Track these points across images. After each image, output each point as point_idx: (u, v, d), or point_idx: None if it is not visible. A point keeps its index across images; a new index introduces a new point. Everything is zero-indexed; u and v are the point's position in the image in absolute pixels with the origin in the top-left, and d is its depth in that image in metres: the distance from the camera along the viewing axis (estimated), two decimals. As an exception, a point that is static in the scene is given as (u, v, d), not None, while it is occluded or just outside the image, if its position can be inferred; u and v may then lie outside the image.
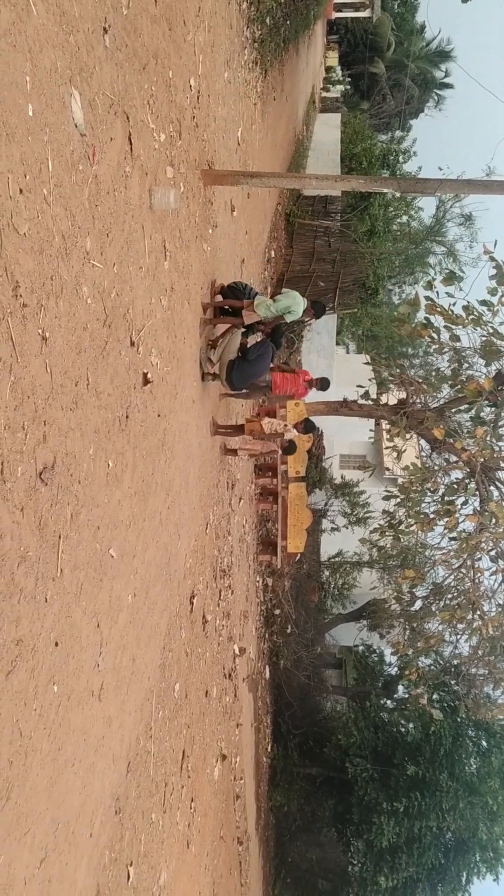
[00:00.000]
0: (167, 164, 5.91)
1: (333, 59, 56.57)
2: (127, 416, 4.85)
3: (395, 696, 24.27)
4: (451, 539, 14.44)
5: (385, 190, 7.05)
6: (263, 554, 14.69)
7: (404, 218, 26.88)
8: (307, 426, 10.30)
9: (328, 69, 55.21)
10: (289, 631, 17.51)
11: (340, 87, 55.30)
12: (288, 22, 17.32)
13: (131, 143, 4.82)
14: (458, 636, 15.46)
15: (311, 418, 15.04)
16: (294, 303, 7.27)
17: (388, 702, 24.52)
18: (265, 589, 15.75)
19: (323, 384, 10.32)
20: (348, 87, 55.88)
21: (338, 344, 26.48)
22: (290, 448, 10.54)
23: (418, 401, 15.42)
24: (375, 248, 21.38)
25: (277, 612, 16.61)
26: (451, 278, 14.43)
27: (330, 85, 53.78)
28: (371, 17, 48.42)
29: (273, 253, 17.24)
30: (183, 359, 6.69)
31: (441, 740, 15.56)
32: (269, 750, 16.04)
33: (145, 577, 5.47)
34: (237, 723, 11.48)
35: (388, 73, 55.53)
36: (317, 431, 21.89)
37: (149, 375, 5.31)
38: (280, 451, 10.51)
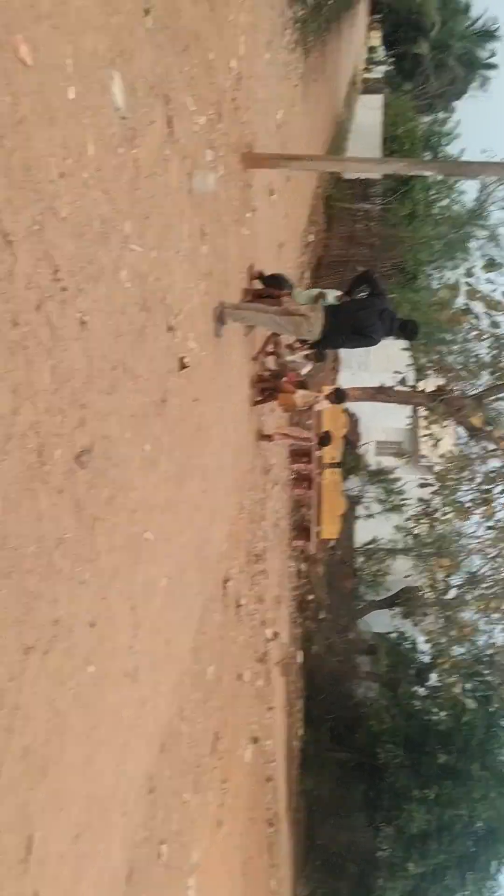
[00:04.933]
0: (207, 148, 5.88)
1: (376, 38, 55.62)
2: (164, 401, 4.87)
3: (428, 683, 24.18)
4: (489, 528, 14.31)
5: (427, 173, 6.94)
6: (297, 539, 14.69)
7: (446, 201, 26.42)
8: (339, 395, 10.26)
9: (371, 49, 54.33)
10: (322, 617, 17.52)
11: (383, 68, 54.40)
12: (330, 1, 17.05)
13: (171, 127, 4.81)
14: (493, 626, 15.34)
15: (348, 406, 14.99)
16: (328, 293, 7.16)
17: (421, 689, 24.44)
18: (299, 574, 15.76)
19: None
20: (391, 67, 54.90)
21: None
22: (325, 439, 10.52)
23: (457, 388, 15.24)
24: (416, 232, 21.07)
25: (311, 597, 16.62)
26: (493, 265, 14.21)
27: (372, 65, 52.95)
28: (415, -5, 47.36)
29: (312, 237, 17.10)
30: (219, 344, 6.68)
31: (473, 730, 15.44)
32: (300, 734, 16.10)
33: (180, 560, 5.51)
34: (269, 706, 11.54)
35: (432, 54, 54.42)
36: (353, 414, 21.72)
37: (186, 360, 5.31)
38: (314, 440, 10.48)
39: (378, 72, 52.73)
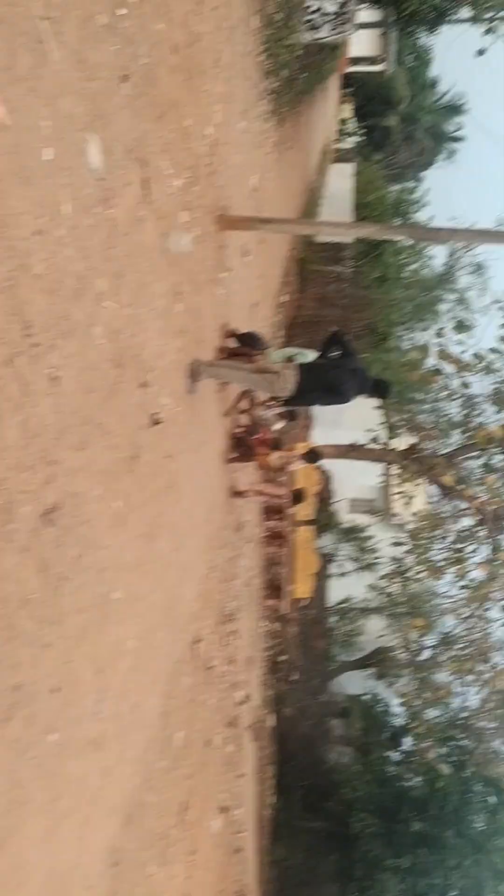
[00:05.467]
0: (182, 209, 5.98)
1: (348, 111, 57.91)
2: (135, 457, 4.82)
3: (401, 748, 23.72)
4: (462, 588, 14.25)
5: (397, 237, 7.11)
6: (270, 598, 14.49)
7: (415, 265, 27.15)
8: (312, 455, 10.26)
9: (342, 121, 56.48)
10: (294, 678, 17.19)
11: (354, 138, 56.50)
12: (304, 75, 17.74)
13: (147, 188, 4.88)
14: (467, 688, 15.15)
15: (322, 462, 15.01)
16: (301, 353, 7.23)
17: (394, 754, 23.94)
18: (271, 635, 15.51)
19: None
20: (362, 138, 57.05)
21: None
22: (298, 497, 10.49)
23: (428, 447, 15.37)
24: (387, 294, 21.56)
25: (283, 658, 16.33)
26: (461, 327, 14.53)
27: (344, 136, 54.97)
28: (385, 71, 49.56)
29: (286, 297, 17.40)
30: (193, 400, 6.68)
31: (448, 796, 15.12)
32: (271, 802, 15.61)
33: (149, 621, 5.37)
34: (240, 773, 11.18)
35: (401, 126, 56.70)
36: (326, 472, 21.77)
37: (159, 416, 5.28)
38: (289, 497, 10.44)
39: (349, 142, 54.70)
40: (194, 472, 6.93)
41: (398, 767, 20.55)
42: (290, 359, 6.92)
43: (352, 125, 57.81)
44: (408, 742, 21.88)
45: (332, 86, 42.55)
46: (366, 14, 28.27)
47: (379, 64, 50.42)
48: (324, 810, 16.54)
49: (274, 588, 14.56)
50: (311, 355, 7.23)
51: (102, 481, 4.17)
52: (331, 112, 44.40)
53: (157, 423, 5.27)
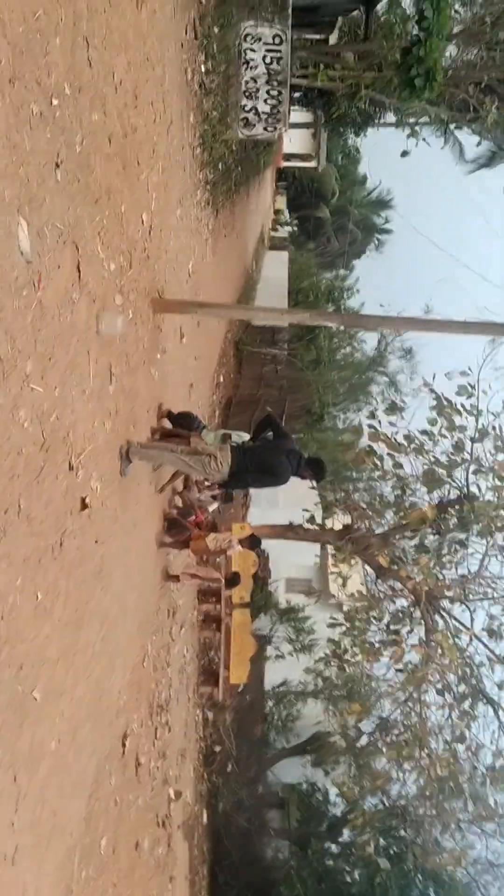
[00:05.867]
0: (116, 292, 5.99)
1: (282, 202, 60.61)
2: (61, 544, 4.62)
3: (340, 839, 22.88)
4: (398, 671, 14.10)
5: (329, 324, 7.27)
6: (205, 685, 14.04)
7: (348, 349, 28.02)
8: (253, 542, 10.10)
9: (277, 212, 58.99)
10: (229, 769, 16.52)
11: (288, 228, 58.92)
12: (239, 168, 18.48)
13: (80, 272, 4.86)
14: (406, 775, 14.80)
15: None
16: (237, 433, 7.23)
17: (333, 846, 23.07)
18: (205, 723, 14.95)
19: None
20: (295, 228, 59.55)
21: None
22: (233, 580, 10.32)
23: (363, 526, 15.44)
24: (321, 376, 22.06)
25: (218, 748, 15.70)
26: (393, 409, 14.88)
27: (279, 226, 57.28)
28: (317, 168, 52.20)
29: (222, 378, 17.59)
30: (125, 483, 6.53)
31: (387, 892, 14.52)
32: (205, 905, 14.72)
33: (73, 718, 5.06)
34: (170, 876, 10.52)
35: (332, 218, 59.45)
36: (262, 551, 21.63)
37: (87, 500, 5.12)
38: (223, 581, 10.23)
39: (284, 231, 57.01)
40: (126, 557, 6.73)
41: (337, 860, 19.75)
42: (224, 440, 6.89)
43: (286, 216, 60.42)
44: (347, 832, 21.16)
45: (268, 178, 44.54)
46: (298, 115, 29.95)
47: (311, 161, 53.07)
48: (260, 914, 15.66)
49: (209, 674, 14.14)
50: (245, 437, 7.23)
51: (24, 571, 3.97)
52: (266, 202, 46.31)
53: (85, 507, 5.11)
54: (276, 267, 36.72)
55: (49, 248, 4.24)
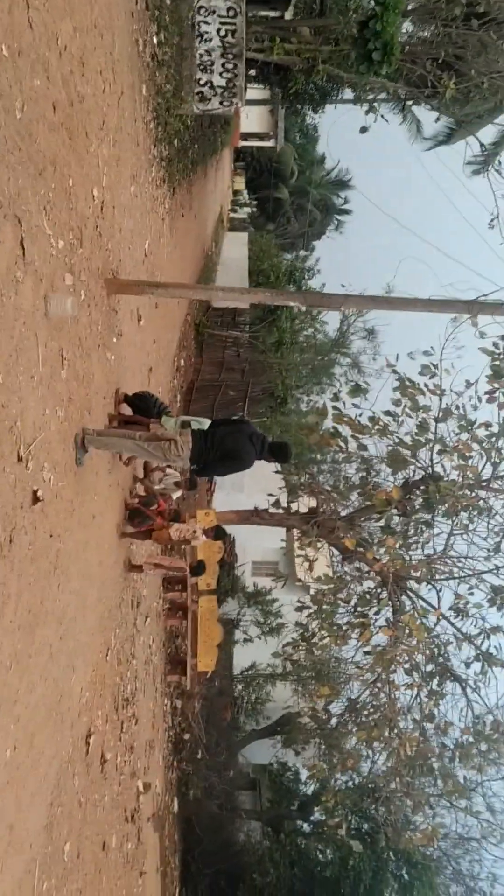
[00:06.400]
0: (66, 272, 5.65)
1: (240, 183, 59.93)
2: (11, 541, 4.32)
3: (312, 817, 22.98)
4: (366, 653, 14.05)
5: (291, 304, 7.04)
6: (172, 674, 13.82)
7: (310, 331, 27.80)
8: (217, 533, 9.87)
9: (235, 192, 58.34)
10: (199, 756, 16.38)
11: (247, 210, 58.35)
12: (196, 146, 18.04)
13: (24, 248, 4.53)
14: (376, 756, 14.81)
15: (223, 526, 14.65)
16: (196, 420, 6.96)
17: (305, 825, 23.16)
18: (174, 712, 14.76)
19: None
20: (255, 209, 59.00)
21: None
22: (198, 569, 10.08)
23: (328, 509, 15.31)
24: (283, 358, 21.82)
25: (187, 736, 15.54)
26: (357, 390, 14.71)
27: (238, 207, 56.68)
28: (275, 147, 51.67)
29: (182, 362, 17.24)
30: (82, 472, 6.23)
31: (360, 875, 14.55)
32: (176, 894, 14.58)
33: (29, 724, 4.78)
34: (140, 871, 10.33)
35: (291, 199, 59.04)
36: (228, 538, 21.44)
37: (39, 493, 4.82)
38: (188, 570, 9.98)
39: (243, 213, 56.44)
40: (84, 550, 6.43)
41: (309, 839, 19.82)
42: (184, 426, 6.62)
43: (245, 197, 59.83)
44: (318, 812, 21.24)
45: (226, 158, 43.92)
46: (255, 92, 29.43)
47: (269, 140, 52.54)
48: (233, 900, 15.60)
49: (176, 663, 13.93)
50: (206, 423, 6.96)
51: (-32, 572, 3.67)
52: (224, 183, 45.69)
53: (37, 500, 4.80)
54: (235, 249, 36.30)
55: (-13, 222, 3.91)
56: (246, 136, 54.63)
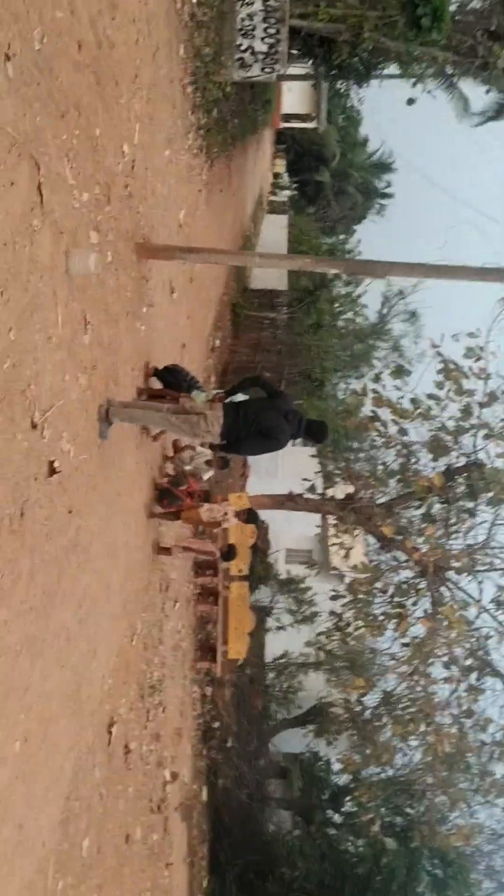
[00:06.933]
0: (91, 229, 5.24)
1: (281, 166, 59.08)
2: (22, 514, 3.94)
3: (343, 808, 22.61)
4: (404, 645, 13.54)
5: (333, 270, 6.58)
6: (202, 661, 13.48)
7: (350, 314, 27.13)
8: (250, 515, 9.42)
9: (276, 175, 57.56)
10: (229, 745, 16.06)
11: (288, 192, 57.52)
12: (235, 120, 17.53)
13: (41, 195, 4.12)
14: (412, 752, 14.34)
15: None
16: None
17: (336, 815, 22.80)
18: (203, 700, 14.44)
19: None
20: (295, 192, 58.13)
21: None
22: (229, 553, 9.67)
23: (366, 496, 14.79)
24: (322, 341, 21.27)
25: (217, 724, 15.22)
26: (400, 371, 14.13)
27: (278, 189, 55.91)
28: (317, 129, 50.71)
29: (218, 342, 16.81)
30: (106, 447, 5.84)
31: (394, 872, 14.10)
32: (203, 885, 14.30)
33: (43, 713, 4.42)
34: (167, 862, 10.03)
35: (332, 181, 58.00)
36: (260, 523, 21.02)
37: (56, 464, 4.43)
38: (218, 554, 9.57)
39: (283, 196, 55.64)
40: (107, 529, 6.06)
41: (340, 830, 19.46)
42: (214, 400, 6.18)
43: (285, 179, 58.99)
44: (349, 803, 20.88)
45: (266, 139, 43.25)
46: (298, 69, 28.69)
47: (310, 121, 51.67)
48: (262, 892, 15.27)
49: (206, 649, 13.57)
50: (240, 398, 6.52)
51: (-30, 546, 3.30)
52: (265, 165, 45.05)
53: (54, 472, 4.42)
54: (275, 231, 35.67)
55: (-3, 157, 3.50)
56: (287, 118, 53.76)
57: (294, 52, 20.32)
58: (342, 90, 26.16)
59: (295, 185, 58.53)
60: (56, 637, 4.66)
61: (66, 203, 4.62)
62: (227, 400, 6.08)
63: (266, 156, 45.93)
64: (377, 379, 13.77)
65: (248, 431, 5.80)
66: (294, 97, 47.05)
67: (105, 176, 5.61)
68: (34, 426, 4.10)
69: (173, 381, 7.44)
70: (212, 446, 6.66)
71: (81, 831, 5.50)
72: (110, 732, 6.47)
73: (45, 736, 4.49)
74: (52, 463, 4.40)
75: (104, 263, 5.67)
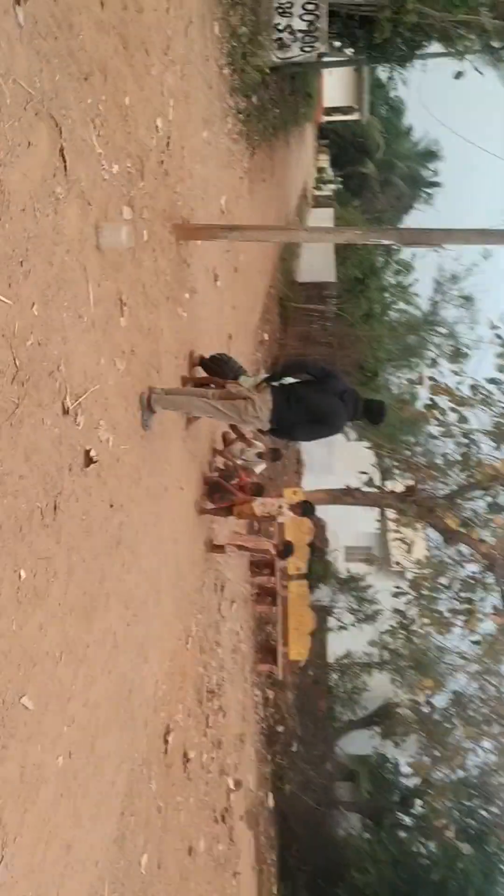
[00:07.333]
0: (124, 204, 4.90)
1: (325, 161, 58.44)
2: (56, 507, 3.61)
3: (414, 811, 22.00)
4: (474, 642, 12.92)
5: (385, 241, 6.09)
6: (263, 663, 13.10)
7: (401, 304, 26.41)
8: (305, 508, 8.93)
9: (320, 170, 56.91)
10: (294, 749, 15.64)
11: (332, 186, 56.82)
12: (277, 110, 17.11)
13: (65, 161, 3.78)
14: (486, 754, 13.69)
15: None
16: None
17: (407, 818, 22.20)
18: (266, 703, 14.04)
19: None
20: (340, 185, 57.38)
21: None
22: (286, 551, 9.24)
23: (427, 487, 14.20)
24: (373, 331, 20.68)
25: (281, 728, 14.81)
26: (458, 355, 13.53)
27: (322, 184, 55.27)
28: (360, 120, 49.93)
29: (266, 336, 16.42)
30: (150, 438, 5.50)
31: (470, 877, 13.46)
32: (273, 892, 13.90)
33: (89, 724, 4.08)
34: (234, 872, 9.67)
35: (377, 173, 57.06)
36: (319, 519, 20.49)
37: (93, 454, 4.09)
38: (274, 552, 9.14)
39: (327, 190, 54.96)
40: (154, 525, 5.71)
41: (411, 833, 18.89)
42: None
43: (329, 174, 58.29)
44: (421, 807, 20.27)
45: (309, 134, 42.72)
46: (337, 57, 28.10)
47: (353, 113, 50.91)
48: (333, 898, 14.79)
49: (267, 651, 13.19)
50: (289, 381, 6.09)
51: (-7, 542, 2.96)
52: (308, 160, 44.54)
53: (91, 462, 4.08)
54: (321, 224, 35.14)
55: (11, 112, 3.17)
56: (329, 112, 53.09)
57: (334, 33, 19.80)
58: (386, 75, 25.50)
59: (339, 179, 57.80)
60: (101, 642, 4.32)
61: (94, 173, 4.28)
62: (275, 384, 5.66)
63: (309, 150, 45.40)
64: (434, 364, 13.17)
65: (301, 416, 5.37)
66: (335, 90, 46.41)
67: (137, 149, 5.27)
68: (66, 411, 3.76)
69: (220, 371, 7.07)
70: (262, 432, 6.25)
71: (139, 847, 5.16)
72: (167, 741, 6.13)
73: (93, 749, 4.15)
74: (88, 452, 4.06)
75: (140, 242, 5.33)
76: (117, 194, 4.77)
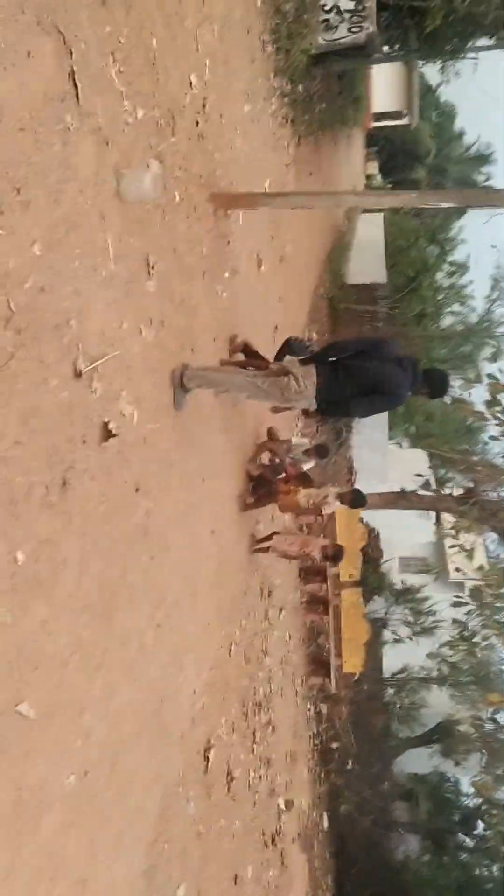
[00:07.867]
0: (151, 156, 4.40)
1: (373, 168, 57.80)
2: (64, 483, 3.08)
3: (476, 832, 21.00)
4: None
5: (445, 204, 5.46)
6: (315, 675, 12.40)
7: (455, 306, 25.51)
8: (355, 498, 8.17)
9: (369, 177, 56.27)
10: (349, 767, 14.86)
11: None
12: (324, 104, 16.61)
13: (76, 86, 3.29)
14: None
15: (367, 519, 13.08)
16: None
17: (468, 839, 21.24)
18: (319, 718, 13.33)
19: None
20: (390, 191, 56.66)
21: (390, 439, 24.66)
22: (337, 555, 8.56)
23: (488, 490, 13.38)
24: (426, 331, 19.90)
25: (335, 745, 14.06)
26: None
27: (371, 190, 54.60)
28: (409, 125, 49.16)
29: (315, 335, 15.83)
30: (183, 420, 4.97)
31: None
32: (330, 921, 13.15)
33: (108, 739, 3.53)
34: (286, 899, 8.99)
35: (428, 178, 56.12)
36: (373, 529, 19.68)
37: (112, 427, 3.56)
38: (321, 557, 8.47)
39: (377, 196, 54.26)
40: (189, 518, 5.16)
41: (473, 856, 17.99)
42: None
43: (379, 181, 57.61)
44: (484, 829, 19.31)
45: (357, 139, 42.16)
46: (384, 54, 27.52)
47: (402, 118, 50.17)
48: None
49: (319, 663, 12.49)
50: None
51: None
52: (357, 165, 43.96)
53: (110, 436, 3.55)
54: (370, 230, 34.43)
55: (9, 16, 2.69)
56: (378, 117, 52.45)
57: (382, 25, 19.23)
58: (437, 74, 24.77)
59: (389, 185, 57.04)
60: (123, 644, 3.77)
61: (113, 111, 3.79)
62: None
63: (358, 155, 44.80)
64: (494, 357, 12.41)
65: (354, 388, 4.74)
66: (384, 94, 45.77)
67: (168, 101, 4.78)
68: (78, 374, 3.25)
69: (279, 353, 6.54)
70: (308, 413, 5.66)
71: (174, 879, 4.58)
72: (207, 758, 5.54)
73: (114, 767, 3.60)
74: (106, 424, 3.53)
75: (172, 204, 4.83)
76: (143, 143, 4.27)
